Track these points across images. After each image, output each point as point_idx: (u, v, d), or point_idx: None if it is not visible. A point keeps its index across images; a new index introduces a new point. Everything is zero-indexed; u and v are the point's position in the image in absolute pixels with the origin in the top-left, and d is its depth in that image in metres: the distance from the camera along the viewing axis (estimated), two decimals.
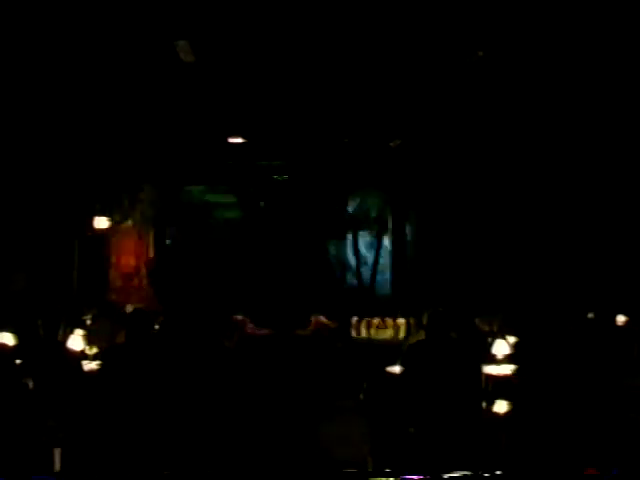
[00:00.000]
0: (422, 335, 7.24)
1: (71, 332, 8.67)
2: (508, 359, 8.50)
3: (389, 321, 12.39)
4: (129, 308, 8.06)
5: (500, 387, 7.80)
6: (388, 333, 12.22)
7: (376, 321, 12.44)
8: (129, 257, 14.13)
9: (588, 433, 6.62)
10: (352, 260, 15.48)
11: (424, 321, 7.13)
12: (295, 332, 9.08)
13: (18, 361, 7.44)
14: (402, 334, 11.72)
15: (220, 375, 6.26)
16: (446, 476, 3.20)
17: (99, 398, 6.23)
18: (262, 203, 15.43)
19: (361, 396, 7.51)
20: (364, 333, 12.35)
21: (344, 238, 15.56)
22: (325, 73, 11.19)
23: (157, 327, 7.34)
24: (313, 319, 10.57)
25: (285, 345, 8.02)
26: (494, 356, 8.55)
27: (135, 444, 5.83)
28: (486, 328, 9.26)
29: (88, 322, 9.64)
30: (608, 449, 6.43)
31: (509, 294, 12.03)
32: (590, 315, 9.43)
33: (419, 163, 14.22)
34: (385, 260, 15.31)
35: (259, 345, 8.23)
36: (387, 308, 13.33)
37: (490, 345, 8.69)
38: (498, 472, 4.19)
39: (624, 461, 6.09)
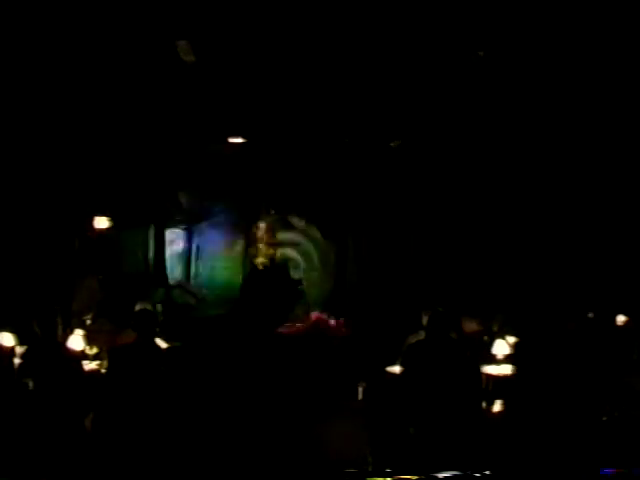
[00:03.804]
0: (422, 335, 7.24)
1: (71, 332, 8.68)
2: (508, 359, 8.50)
3: None
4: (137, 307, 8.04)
5: (500, 387, 7.80)
6: None
7: None
8: None
9: (588, 432, 6.62)
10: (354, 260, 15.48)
11: (424, 321, 7.13)
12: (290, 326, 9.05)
13: (18, 361, 7.46)
14: None
15: (222, 374, 6.27)
16: (440, 476, 3.20)
17: (107, 397, 6.25)
18: (272, 211, 15.41)
19: (360, 396, 7.51)
20: None
21: (346, 238, 15.54)
22: (325, 73, 11.19)
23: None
24: (312, 315, 10.57)
25: (284, 343, 8.02)
26: (494, 356, 8.56)
27: (140, 443, 5.85)
28: (474, 327, 9.27)
29: (88, 322, 9.65)
30: (608, 448, 6.43)
31: (509, 294, 12.02)
32: (590, 315, 9.43)
33: (419, 162, 14.21)
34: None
35: (263, 344, 8.23)
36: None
37: (489, 345, 8.70)
38: (497, 472, 4.19)
39: (624, 460, 6.09)
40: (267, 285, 13.79)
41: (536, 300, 11.21)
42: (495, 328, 9.30)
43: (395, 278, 14.77)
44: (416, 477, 3.89)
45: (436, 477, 3.25)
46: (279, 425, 6.74)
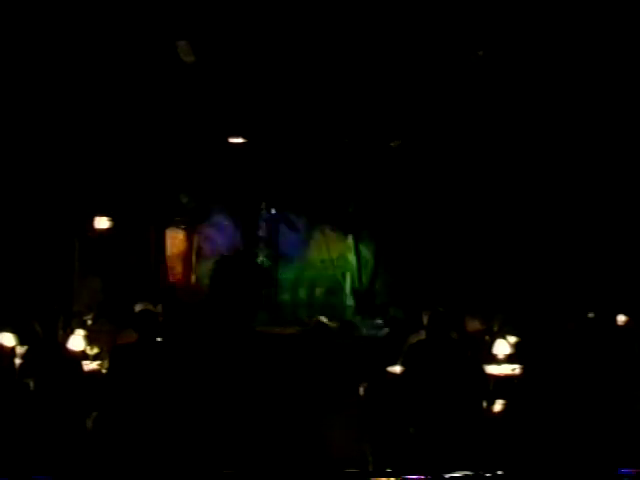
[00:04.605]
0: (422, 335, 7.24)
1: (72, 332, 8.69)
2: (508, 359, 8.51)
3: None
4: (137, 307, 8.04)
5: (501, 387, 7.81)
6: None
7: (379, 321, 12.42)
8: None
9: (589, 432, 6.62)
10: (353, 260, 15.47)
11: (424, 321, 7.13)
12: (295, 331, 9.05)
13: (19, 361, 7.47)
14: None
15: (224, 375, 6.27)
16: (447, 476, 3.20)
17: (108, 397, 6.26)
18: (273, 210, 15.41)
19: (361, 396, 7.51)
20: (364, 332, 12.34)
21: (345, 238, 15.55)
22: (325, 73, 11.19)
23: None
24: (313, 319, 10.56)
25: (287, 345, 8.00)
26: (495, 356, 8.56)
27: (142, 443, 5.85)
28: (477, 327, 9.28)
29: (89, 322, 9.65)
30: (609, 448, 6.44)
31: (510, 294, 12.03)
32: (590, 315, 9.42)
33: (420, 162, 14.22)
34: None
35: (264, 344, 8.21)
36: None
37: (490, 345, 8.70)
38: (499, 472, 4.19)
39: (626, 460, 6.10)
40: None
41: (536, 300, 11.21)
42: (496, 328, 9.31)
43: (397, 278, 14.78)
44: (417, 477, 3.88)
45: (442, 477, 3.25)
46: (280, 425, 6.74)
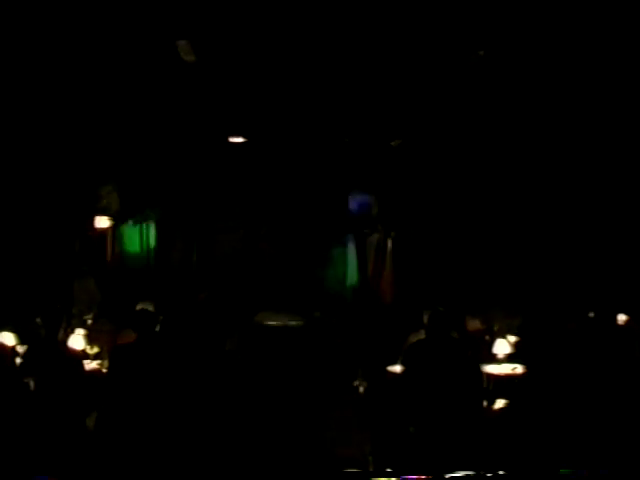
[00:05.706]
0: (422, 335, 7.25)
1: (72, 332, 8.69)
2: (509, 358, 8.51)
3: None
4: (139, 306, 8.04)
5: (501, 386, 7.81)
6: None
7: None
8: None
9: (590, 432, 6.62)
10: (354, 260, 15.45)
11: (424, 321, 7.14)
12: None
13: (19, 360, 7.47)
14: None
15: (222, 374, 6.28)
16: (447, 476, 3.20)
17: (109, 397, 6.27)
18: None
19: (361, 395, 7.52)
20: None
21: (345, 238, 15.53)
22: (326, 72, 11.20)
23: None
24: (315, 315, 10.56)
25: (286, 341, 8.01)
26: (495, 355, 8.56)
27: (142, 443, 5.86)
28: (478, 326, 9.27)
29: (89, 322, 9.65)
30: (610, 448, 6.44)
31: (510, 294, 12.02)
32: (591, 314, 9.42)
33: (420, 163, 14.21)
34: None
35: (260, 342, 8.24)
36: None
37: (490, 344, 8.70)
38: (500, 472, 4.19)
39: (626, 460, 6.10)
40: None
41: (537, 300, 11.20)
42: (496, 328, 9.30)
43: (398, 277, 14.78)
44: (417, 477, 3.89)
45: (442, 477, 3.25)
46: (280, 425, 6.75)
